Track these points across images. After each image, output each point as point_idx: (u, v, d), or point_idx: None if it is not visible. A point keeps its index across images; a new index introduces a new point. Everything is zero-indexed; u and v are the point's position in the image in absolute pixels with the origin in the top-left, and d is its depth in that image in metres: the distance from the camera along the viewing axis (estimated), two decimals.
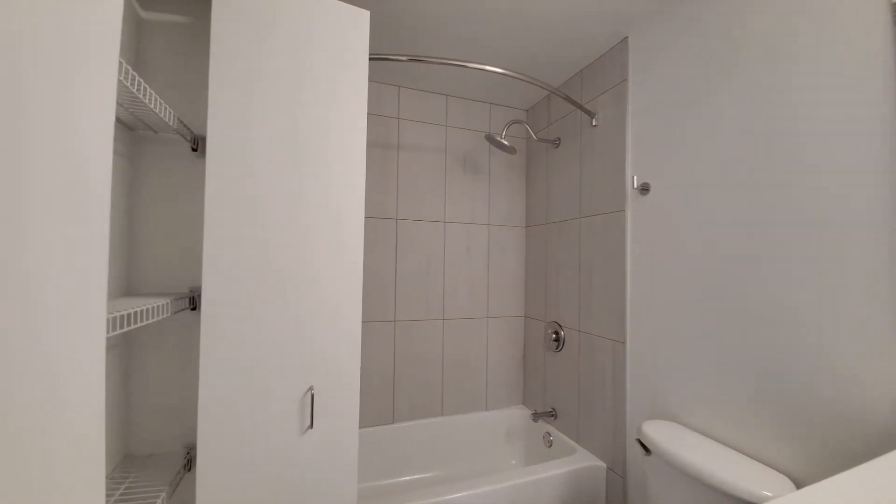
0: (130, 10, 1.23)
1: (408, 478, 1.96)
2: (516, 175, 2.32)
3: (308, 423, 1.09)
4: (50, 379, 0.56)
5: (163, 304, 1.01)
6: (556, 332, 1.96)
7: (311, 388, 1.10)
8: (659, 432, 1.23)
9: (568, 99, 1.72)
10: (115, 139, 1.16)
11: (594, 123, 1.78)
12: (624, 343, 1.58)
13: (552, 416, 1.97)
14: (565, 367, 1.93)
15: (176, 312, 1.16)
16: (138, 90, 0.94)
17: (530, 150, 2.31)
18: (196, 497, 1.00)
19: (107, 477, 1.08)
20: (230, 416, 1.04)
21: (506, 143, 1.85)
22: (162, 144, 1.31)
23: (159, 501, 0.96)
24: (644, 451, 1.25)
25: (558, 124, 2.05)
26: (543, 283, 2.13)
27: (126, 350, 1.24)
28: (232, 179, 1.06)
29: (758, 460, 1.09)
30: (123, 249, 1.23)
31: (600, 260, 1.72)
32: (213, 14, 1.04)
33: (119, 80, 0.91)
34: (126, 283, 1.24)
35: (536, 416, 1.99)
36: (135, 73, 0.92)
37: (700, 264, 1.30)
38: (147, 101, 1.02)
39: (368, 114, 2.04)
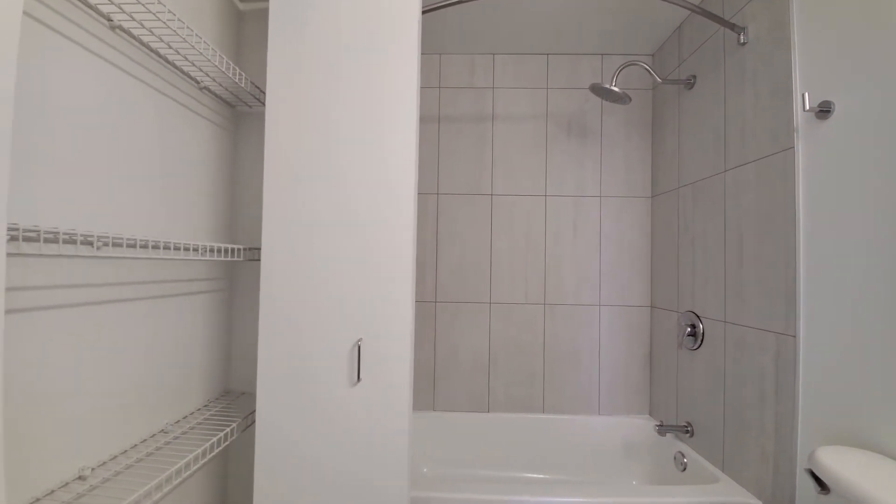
0: (231, 5, 1.37)
1: (502, 472, 1.76)
2: (638, 135, 1.92)
3: (356, 376, 1.04)
4: None
5: (236, 248, 1.12)
6: (693, 326, 1.52)
7: (359, 341, 1.04)
8: (847, 464, 0.79)
9: (705, 13, 1.32)
10: (218, 113, 1.29)
11: (742, 41, 1.32)
12: (795, 337, 1.11)
13: (687, 431, 1.52)
14: (705, 370, 1.47)
15: (250, 260, 1.28)
16: (234, 76, 1.12)
17: (657, 101, 1.88)
18: (256, 436, 1.05)
19: (203, 405, 1.21)
20: (285, 362, 1.06)
21: (616, 89, 1.52)
22: (258, 118, 1.42)
23: (227, 430, 1.03)
24: (818, 488, 0.81)
25: (692, 60, 1.61)
26: (675, 264, 1.69)
27: (229, 296, 1.37)
28: (287, 141, 1.09)
29: None
30: (228, 208, 1.37)
31: (755, 224, 1.26)
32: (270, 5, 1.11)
33: (216, 67, 1.04)
34: (229, 235, 1.38)
35: (663, 430, 1.56)
36: (224, 57, 1.08)
37: None
38: (240, 82, 1.15)
39: (461, 88, 1.94)
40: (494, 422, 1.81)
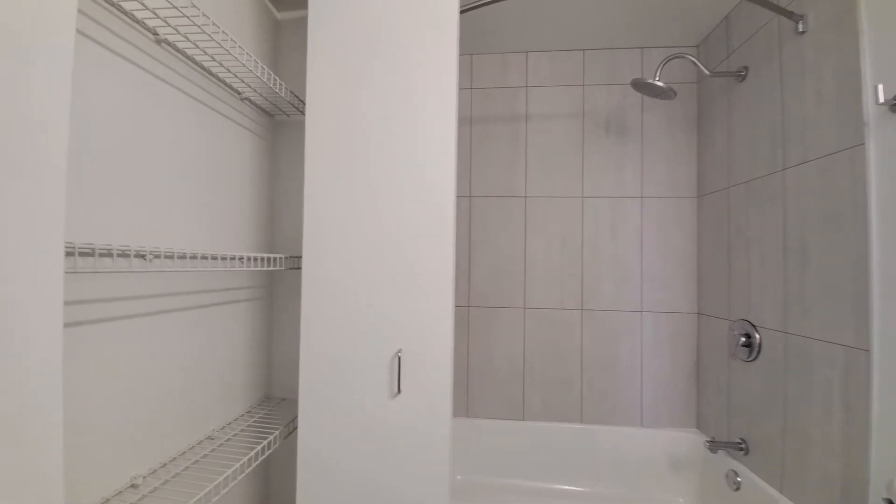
0: (269, 14, 1.39)
1: (539, 483, 1.71)
2: (681, 131, 1.82)
3: (396, 388, 1.03)
4: None
5: (277, 258, 1.13)
6: (748, 335, 1.42)
7: (399, 352, 1.03)
8: None
9: (759, 1, 1.23)
10: (257, 123, 1.31)
11: (801, 30, 1.22)
12: (868, 351, 1.01)
13: (741, 449, 1.43)
14: (762, 384, 1.37)
15: (291, 269, 1.29)
16: (274, 85, 1.12)
17: (703, 95, 1.78)
18: (297, 451, 1.06)
19: (245, 412, 1.24)
20: (326, 374, 1.06)
21: (660, 83, 1.44)
22: (295, 126, 1.44)
23: (270, 438, 1.04)
24: None
25: (743, 51, 1.51)
26: (726, 268, 1.59)
27: (269, 304, 1.40)
28: (328, 149, 1.09)
29: None
30: (267, 216, 1.39)
31: (819, 226, 1.16)
32: (309, 8, 1.12)
33: (257, 77, 1.05)
34: (269, 244, 1.40)
35: (715, 446, 1.47)
36: (265, 67, 1.08)
37: None
38: (280, 92, 1.15)
39: (493, 88, 1.91)
40: (530, 430, 1.76)
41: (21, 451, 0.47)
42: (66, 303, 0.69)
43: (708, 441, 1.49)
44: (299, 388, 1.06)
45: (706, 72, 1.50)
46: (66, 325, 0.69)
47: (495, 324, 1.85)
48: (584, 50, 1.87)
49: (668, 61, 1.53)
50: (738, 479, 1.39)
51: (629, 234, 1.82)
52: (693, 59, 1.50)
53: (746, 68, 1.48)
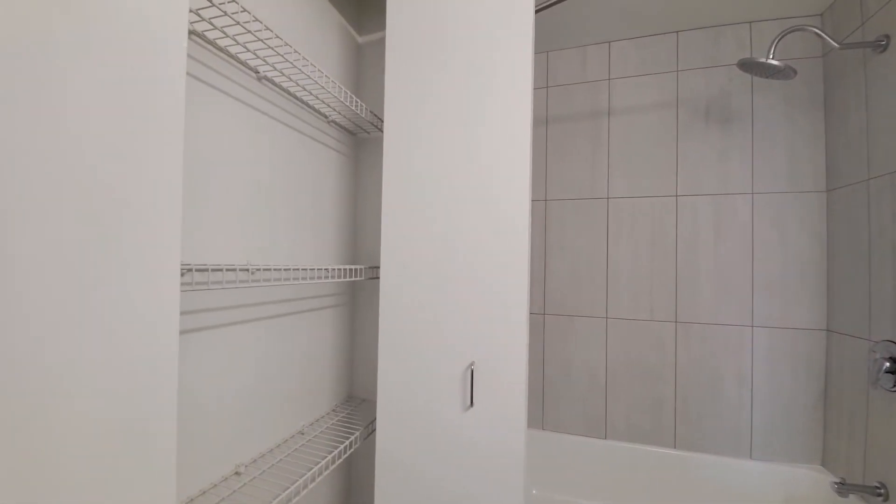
0: (352, 39, 1.49)
1: None
2: (804, 114, 1.55)
3: (469, 401, 1.04)
4: None
5: (359, 269, 1.20)
6: (893, 360, 1.17)
7: (471, 365, 1.04)
8: None
9: None
10: (341, 142, 1.42)
11: None
12: None
13: (879, 494, 1.17)
14: None
15: (370, 279, 1.36)
16: (357, 108, 1.21)
17: (831, 72, 1.49)
18: (375, 447, 1.12)
19: (331, 409, 1.35)
20: (401, 385, 1.10)
21: (775, 62, 1.25)
22: (375, 143, 1.52)
23: (352, 438, 1.11)
24: None
25: (882, 16, 1.23)
26: (865, 278, 1.32)
27: (351, 310, 1.50)
28: (404, 163, 1.14)
29: None
30: (349, 228, 1.49)
31: None
32: (387, 29, 1.17)
33: (342, 102, 1.14)
34: (351, 254, 1.50)
35: (845, 489, 1.23)
36: (349, 92, 1.17)
37: None
38: (361, 113, 1.23)
39: (571, 84, 1.82)
40: (613, 451, 1.65)
41: (142, 442, 0.57)
42: (188, 312, 0.82)
43: (837, 482, 1.25)
44: (377, 395, 1.12)
45: (834, 44, 1.25)
46: (187, 332, 0.82)
47: (572, 333, 1.76)
48: (677, 32, 1.69)
49: (784, 35, 1.31)
50: None
51: (736, 235, 1.60)
52: (817, 30, 1.26)
53: (888, 37, 1.20)
